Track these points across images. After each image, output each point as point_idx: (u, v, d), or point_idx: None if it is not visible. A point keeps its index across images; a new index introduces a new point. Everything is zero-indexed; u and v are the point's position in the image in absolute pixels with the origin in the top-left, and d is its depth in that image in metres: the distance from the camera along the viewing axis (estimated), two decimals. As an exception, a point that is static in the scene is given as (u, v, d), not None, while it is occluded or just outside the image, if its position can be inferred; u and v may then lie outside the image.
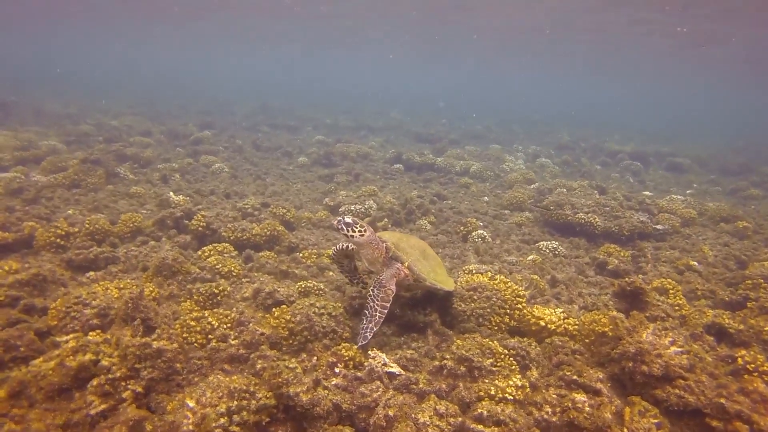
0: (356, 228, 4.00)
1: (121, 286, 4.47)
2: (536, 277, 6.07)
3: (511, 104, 51.97)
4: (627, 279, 4.40)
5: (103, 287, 4.34)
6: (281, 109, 27.11)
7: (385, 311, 3.98)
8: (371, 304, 4.01)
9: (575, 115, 43.91)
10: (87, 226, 6.19)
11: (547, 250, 7.49)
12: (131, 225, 6.65)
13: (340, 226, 3.99)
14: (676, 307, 5.06)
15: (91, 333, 3.74)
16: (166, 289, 4.82)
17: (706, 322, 4.77)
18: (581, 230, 8.28)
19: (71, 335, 3.76)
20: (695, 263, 6.87)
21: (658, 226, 8.36)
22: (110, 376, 3.21)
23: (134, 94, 29.87)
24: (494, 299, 4.74)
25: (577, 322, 4.32)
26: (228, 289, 4.88)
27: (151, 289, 4.61)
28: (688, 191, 14.08)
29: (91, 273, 5.28)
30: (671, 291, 5.37)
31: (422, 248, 4.61)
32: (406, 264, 4.23)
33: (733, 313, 5.04)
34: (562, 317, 4.36)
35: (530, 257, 7.12)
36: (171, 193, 8.27)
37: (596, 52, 37.09)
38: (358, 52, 56.23)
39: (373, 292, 4.06)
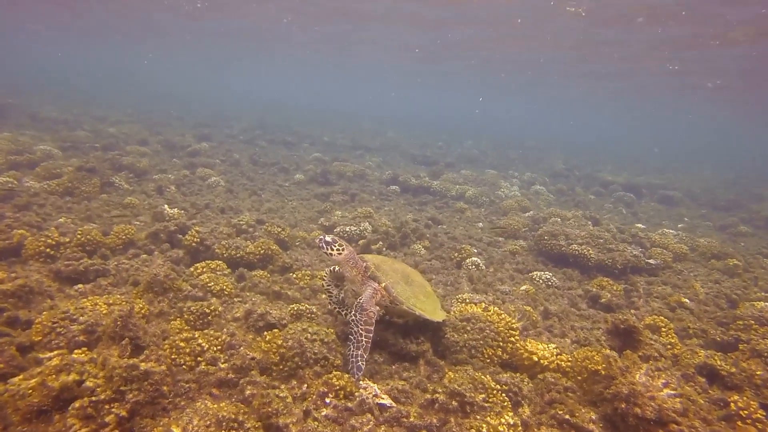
0: (334, 246, 4.20)
1: (111, 301, 4.39)
2: (529, 308, 6.06)
3: (505, 128, 52.78)
4: (620, 317, 4.40)
5: (92, 302, 4.25)
6: (279, 125, 27.26)
7: (371, 335, 4.00)
8: (355, 329, 4.04)
9: (569, 141, 44.65)
10: (78, 236, 6.10)
11: (541, 281, 7.50)
12: (124, 237, 6.56)
13: (321, 245, 4.21)
14: (668, 346, 5.06)
15: (76, 351, 3.65)
16: (156, 306, 4.73)
17: (698, 363, 4.76)
18: (575, 261, 8.31)
19: (55, 352, 3.67)
20: (687, 300, 6.90)
21: (651, 261, 8.42)
22: (94, 398, 3.12)
23: (132, 102, 29.96)
24: (487, 331, 4.72)
25: (569, 359, 4.29)
26: (219, 308, 4.81)
27: (141, 305, 4.53)
28: (679, 225, 14.26)
29: (80, 285, 5.17)
30: (663, 329, 5.37)
31: (406, 273, 4.63)
32: (383, 285, 4.28)
33: (724, 354, 5.05)
34: (555, 353, 4.33)
35: (523, 287, 7.11)
36: (166, 206, 8.20)
37: (590, 80, 37.83)
38: (353, 71, 56.93)
39: (356, 316, 4.09)
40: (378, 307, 4.21)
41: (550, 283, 7.48)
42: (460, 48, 30.29)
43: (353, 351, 3.89)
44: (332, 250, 4.19)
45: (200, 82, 77.18)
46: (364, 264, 4.38)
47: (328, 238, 4.22)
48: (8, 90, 25.02)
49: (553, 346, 4.44)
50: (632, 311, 6.64)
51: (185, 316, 4.55)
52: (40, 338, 3.78)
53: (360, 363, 3.82)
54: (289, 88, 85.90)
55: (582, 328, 5.95)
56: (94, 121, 19.35)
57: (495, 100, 75.54)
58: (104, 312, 4.15)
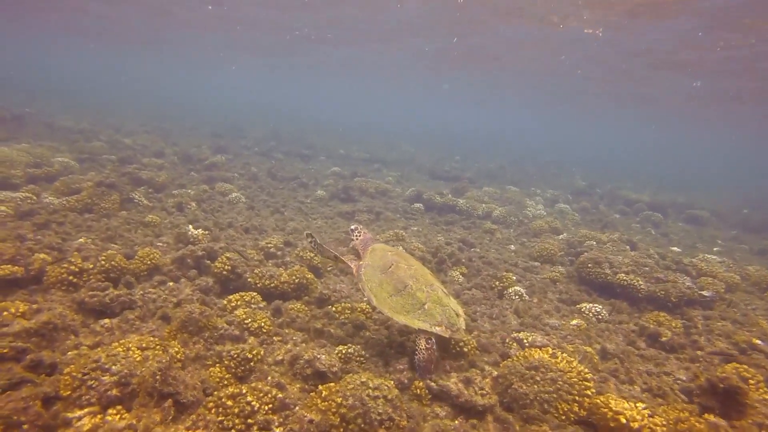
0: (355, 233, 5.40)
1: (144, 345, 3.93)
2: (590, 349, 5.54)
3: (517, 141, 52.35)
4: (719, 374, 3.89)
5: (124, 347, 3.79)
6: (292, 136, 26.98)
7: (337, 259, 5.01)
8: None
9: (582, 155, 44.10)
10: (102, 262, 5.68)
11: (591, 314, 6.97)
12: (148, 262, 6.13)
13: (349, 231, 5.51)
14: (764, 403, 4.51)
15: (110, 410, 3.19)
16: (192, 349, 4.27)
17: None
18: (622, 292, 7.77)
19: (86, 410, 3.21)
20: (759, 341, 6.34)
21: (705, 293, 7.86)
22: (135, 477, 2.65)
23: (145, 111, 29.84)
24: (560, 382, 4.21)
25: (663, 422, 3.76)
26: (262, 353, 4.33)
27: (176, 349, 4.07)
28: (714, 249, 13.66)
29: (106, 321, 4.73)
30: (752, 381, 4.82)
31: (387, 264, 4.64)
32: (358, 263, 4.91)
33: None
34: (645, 414, 3.81)
35: (574, 321, 6.59)
36: (190, 227, 7.78)
37: (607, 96, 37.45)
38: (366, 83, 56.96)
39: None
40: (355, 266, 4.90)
41: (600, 317, 6.95)
42: (471, 60, 29.93)
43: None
44: (353, 235, 5.38)
45: (208, 89, 77.59)
46: (364, 250, 5.11)
47: (353, 226, 5.47)
48: (24, 98, 24.99)
49: (642, 405, 3.91)
50: (697, 352, 6.10)
51: (225, 362, 4.08)
52: (68, 393, 3.32)
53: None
54: (298, 97, 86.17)
55: (649, 372, 5.42)
56: (110, 131, 19.12)
57: (502, 113, 75.43)
58: (138, 359, 3.69)
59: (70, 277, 5.26)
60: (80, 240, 6.92)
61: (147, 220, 8.50)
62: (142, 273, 6.08)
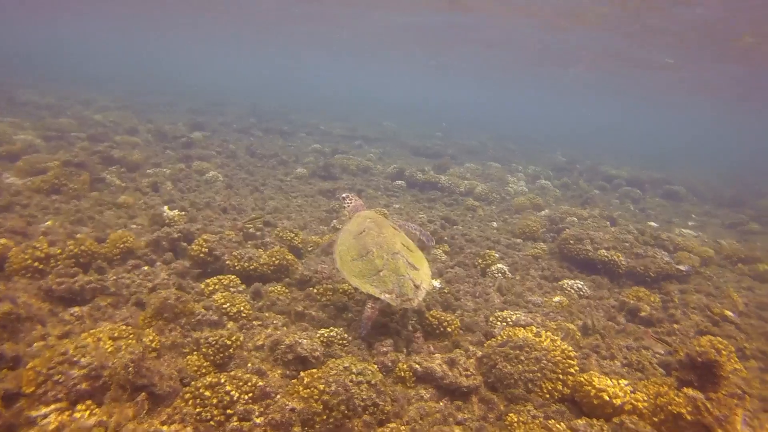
0: (346, 201, 5.77)
1: (116, 334, 3.75)
2: (572, 326, 5.58)
3: (500, 118, 52.26)
4: (698, 348, 3.93)
5: (95, 338, 3.61)
6: (272, 112, 26.27)
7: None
8: None
9: (563, 132, 44.34)
10: (71, 247, 5.41)
11: (572, 291, 7.03)
12: (121, 246, 5.87)
13: (340, 199, 6.01)
14: (736, 373, 4.63)
15: (79, 405, 3.03)
16: (168, 336, 4.11)
17: (770, 395, 4.34)
18: (603, 268, 7.85)
19: (52, 407, 3.05)
20: (730, 313, 6.50)
21: (681, 267, 8.01)
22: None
23: (118, 86, 28.52)
24: (544, 361, 4.21)
25: (645, 397, 3.80)
26: (241, 339, 4.20)
27: (151, 337, 3.90)
28: (689, 223, 13.98)
29: (76, 309, 4.51)
30: (724, 352, 4.94)
31: (360, 230, 4.74)
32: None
33: (793, 381, 4.65)
34: (628, 390, 3.84)
35: (556, 299, 6.63)
36: (165, 208, 7.50)
37: (587, 74, 37.43)
38: (347, 59, 55.75)
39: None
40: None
41: (582, 293, 7.02)
42: (457, 37, 29.43)
43: None
44: (345, 203, 5.76)
45: (189, 62, 74.70)
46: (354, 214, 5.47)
47: (344, 194, 5.86)
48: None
49: (625, 382, 3.94)
50: (674, 326, 6.23)
51: (203, 350, 3.94)
52: (33, 389, 3.14)
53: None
54: (279, 71, 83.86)
55: (629, 347, 5.50)
56: (79, 107, 18.26)
57: (487, 91, 74.95)
58: (110, 350, 3.53)
59: (36, 264, 4.99)
60: (47, 223, 6.59)
61: (120, 201, 8.17)
62: (115, 257, 5.82)
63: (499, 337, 4.70)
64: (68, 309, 4.46)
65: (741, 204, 17.86)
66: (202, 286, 5.29)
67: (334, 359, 3.85)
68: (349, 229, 4.89)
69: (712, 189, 20.09)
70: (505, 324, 5.25)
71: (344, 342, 4.49)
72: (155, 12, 38.47)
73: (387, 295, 4.23)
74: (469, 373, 4.17)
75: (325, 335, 4.46)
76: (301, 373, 3.65)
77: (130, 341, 3.67)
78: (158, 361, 3.63)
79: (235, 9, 32.02)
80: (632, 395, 3.79)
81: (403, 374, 4.15)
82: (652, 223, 12.60)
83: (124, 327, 3.90)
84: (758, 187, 22.32)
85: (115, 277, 5.32)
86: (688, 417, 3.45)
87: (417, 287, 4.35)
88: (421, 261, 4.75)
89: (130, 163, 10.35)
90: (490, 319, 5.51)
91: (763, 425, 3.18)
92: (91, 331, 3.68)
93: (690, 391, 3.61)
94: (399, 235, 4.93)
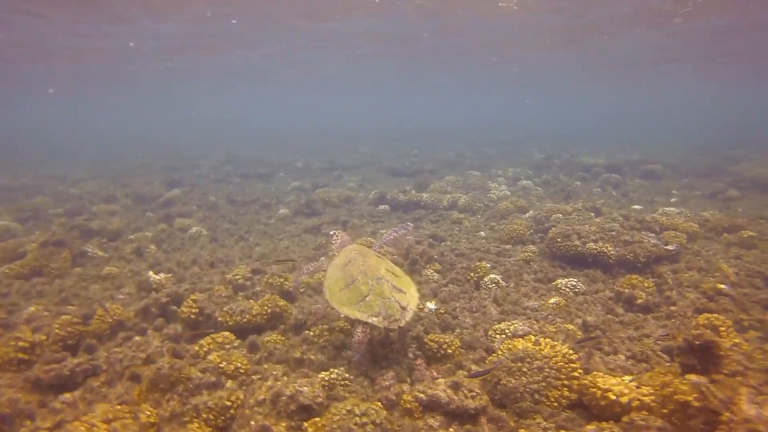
0: (333, 238, 5.98)
1: (110, 416, 3.66)
2: (571, 326, 5.58)
3: (473, 125, 53.09)
4: (694, 332, 3.95)
5: (87, 425, 3.51)
6: (248, 157, 26.39)
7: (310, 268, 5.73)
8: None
9: (537, 127, 45.13)
10: (57, 330, 5.31)
11: (567, 289, 7.05)
12: (110, 320, 5.78)
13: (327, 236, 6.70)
14: (735, 349, 4.64)
15: (80, 499, 2.93)
16: (166, 408, 4.02)
17: (774, 364, 4.35)
18: (594, 261, 7.91)
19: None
20: (723, 286, 6.56)
21: (669, 247, 8.10)
22: None
23: (88, 156, 28.51)
24: (547, 370, 4.19)
25: (651, 390, 3.79)
26: (241, 396, 4.12)
27: (148, 412, 3.81)
28: (672, 200, 14.19)
29: (67, 395, 4.40)
30: (722, 328, 4.96)
31: (346, 261, 4.92)
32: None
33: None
34: (633, 386, 3.83)
35: (552, 300, 6.64)
36: (150, 273, 7.42)
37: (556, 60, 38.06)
38: (312, 87, 56.38)
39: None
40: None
41: (577, 290, 7.04)
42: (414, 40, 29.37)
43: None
44: (332, 240, 5.96)
45: (151, 121, 75.08)
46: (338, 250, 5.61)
47: (332, 232, 6.17)
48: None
49: (629, 378, 3.94)
50: (671, 308, 6.26)
51: (203, 416, 3.85)
52: (31, 490, 3.03)
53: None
54: (245, 112, 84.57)
55: (631, 338, 5.51)
56: (54, 182, 18.19)
57: (453, 99, 76.24)
58: (106, 434, 3.43)
59: (20, 354, 4.88)
60: (30, 309, 6.47)
61: (104, 273, 8.08)
62: (105, 332, 5.73)
63: (499, 352, 4.68)
64: (59, 397, 4.35)
65: (718, 172, 18.24)
66: (196, 348, 5.20)
67: (337, 403, 3.80)
68: (336, 263, 5.07)
69: (687, 162, 20.48)
70: (504, 336, 5.23)
71: (346, 382, 4.43)
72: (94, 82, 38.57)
73: (374, 318, 4.32)
74: (474, 393, 4.13)
75: (326, 379, 4.40)
76: (305, 424, 3.59)
77: (126, 421, 3.58)
78: (158, 437, 3.54)
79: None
80: (638, 390, 3.78)
81: (409, 406, 4.09)
82: (636, 206, 12.75)
83: (119, 407, 3.81)
84: (730, 153, 22.85)
85: (106, 354, 5.22)
86: (696, 404, 3.44)
87: (403, 308, 4.45)
88: (407, 285, 4.85)
89: (110, 232, 10.27)
90: (489, 333, 5.49)
91: (768, 400, 3.19)
92: (83, 419, 3.59)
93: (694, 377, 3.61)
94: (383, 262, 5.05)
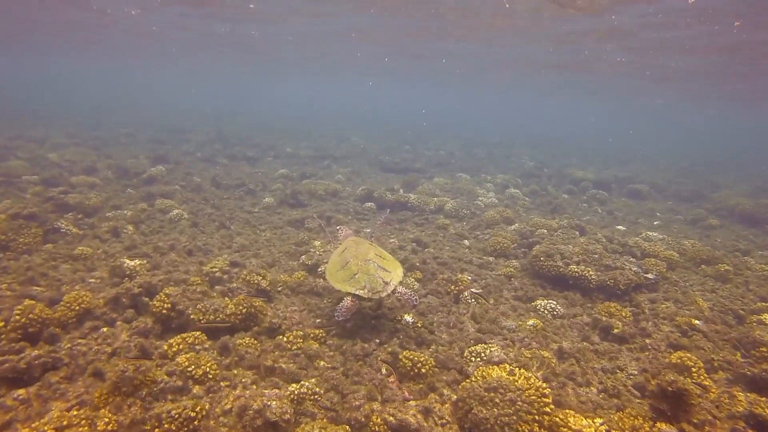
0: (338, 232, 7.25)
1: (64, 423, 3.50)
2: (547, 354, 5.58)
3: (466, 124, 53.04)
4: (668, 378, 3.96)
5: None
6: (237, 136, 25.86)
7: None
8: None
9: (527, 132, 45.32)
10: (17, 316, 5.08)
11: (546, 311, 7.06)
12: (77, 308, 5.57)
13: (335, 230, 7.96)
14: (703, 390, 4.69)
15: None
16: (127, 414, 3.88)
17: (741, 412, 4.41)
18: (575, 284, 7.94)
19: None
20: (697, 321, 6.65)
21: (649, 275, 8.18)
22: None
23: (71, 120, 27.55)
24: (519, 403, 4.16)
25: (620, 434, 3.79)
26: (207, 406, 4.00)
27: (107, 419, 3.66)
28: (655, 222, 14.39)
29: (21, 391, 4.20)
30: (694, 369, 5.01)
31: (343, 249, 6.08)
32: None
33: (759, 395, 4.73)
34: (603, 430, 3.82)
35: (530, 322, 6.63)
36: (125, 259, 7.18)
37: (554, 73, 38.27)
38: (309, 75, 55.65)
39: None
40: None
41: (555, 313, 7.06)
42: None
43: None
44: (337, 234, 7.23)
45: (145, 88, 73.15)
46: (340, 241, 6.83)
47: (338, 227, 7.50)
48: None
49: (600, 421, 3.93)
50: (646, 340, 6.31)
51: (165, 426, 3.73)
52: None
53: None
54: (239, 92, 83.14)
55: (603, 370, 5.54)
56: (32, 145, 17.52)
57: (450, 96, 76.04)
58: (59, 442, 3.28)
59: (-22, 342, 4.66)
60: (-6, 287, 6.21)
61: (76, 252, 7.78)
62: (70, 321, 5.52)
63: (473, 378, 4.64)
64: (12, 392, 4.15)
65: (700, 198, 18.58)
66: (165, 347, 5.04)
67: (304, 425, 3.71)
68: (336, 251, 6.26)
69: (673, 185, 20.78)
70: (479, 360, 5.20)
71: (316, 397, 4.35)
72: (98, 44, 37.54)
73: (360, 291, 5.28)
74: (444, 421, 4.09)
75: (296, 392, 4.31)
76: (270, 447, 3.49)
77: (81, 429, 3.43)
78: (115, 447, 3.40)
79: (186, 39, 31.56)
80: (608, 433, 3.78)
81: (377, 429, 4.03)
82: (620, 227, 12.89)
83: (75, 412, 3.66)
84: (713, 179, 23.28)
85: (69, 345, 5.03)
86: (663, 453, 3.45)
87: (386, 283, 5.42)
88: (393, 266, 5.85)
89: (87, 208, 9.93)
90: (465, 353, 5.46)
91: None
92: (34, 425, 3.42)
93: (664, 426, 3.61)
94: (373, 248, 6.05)
